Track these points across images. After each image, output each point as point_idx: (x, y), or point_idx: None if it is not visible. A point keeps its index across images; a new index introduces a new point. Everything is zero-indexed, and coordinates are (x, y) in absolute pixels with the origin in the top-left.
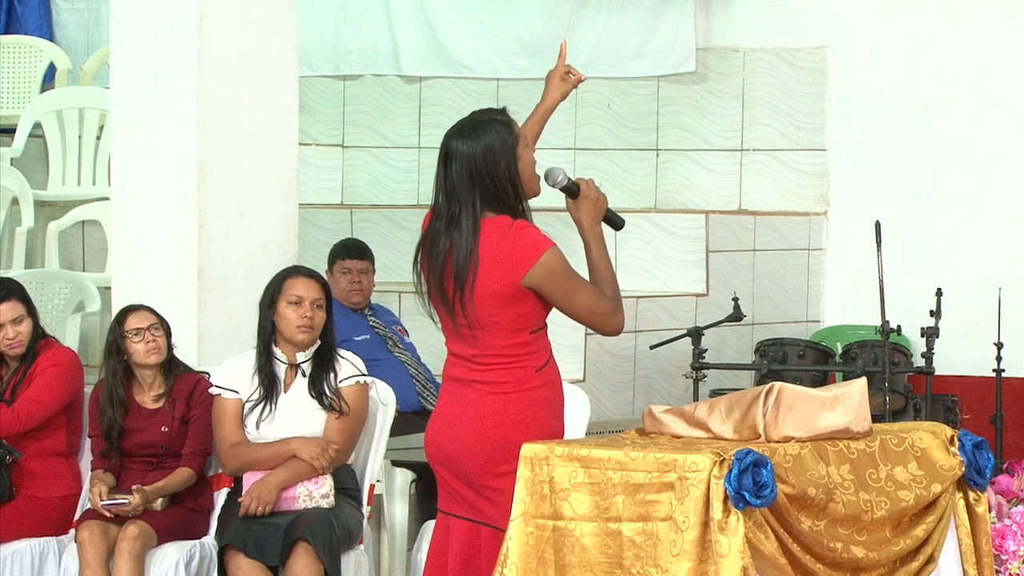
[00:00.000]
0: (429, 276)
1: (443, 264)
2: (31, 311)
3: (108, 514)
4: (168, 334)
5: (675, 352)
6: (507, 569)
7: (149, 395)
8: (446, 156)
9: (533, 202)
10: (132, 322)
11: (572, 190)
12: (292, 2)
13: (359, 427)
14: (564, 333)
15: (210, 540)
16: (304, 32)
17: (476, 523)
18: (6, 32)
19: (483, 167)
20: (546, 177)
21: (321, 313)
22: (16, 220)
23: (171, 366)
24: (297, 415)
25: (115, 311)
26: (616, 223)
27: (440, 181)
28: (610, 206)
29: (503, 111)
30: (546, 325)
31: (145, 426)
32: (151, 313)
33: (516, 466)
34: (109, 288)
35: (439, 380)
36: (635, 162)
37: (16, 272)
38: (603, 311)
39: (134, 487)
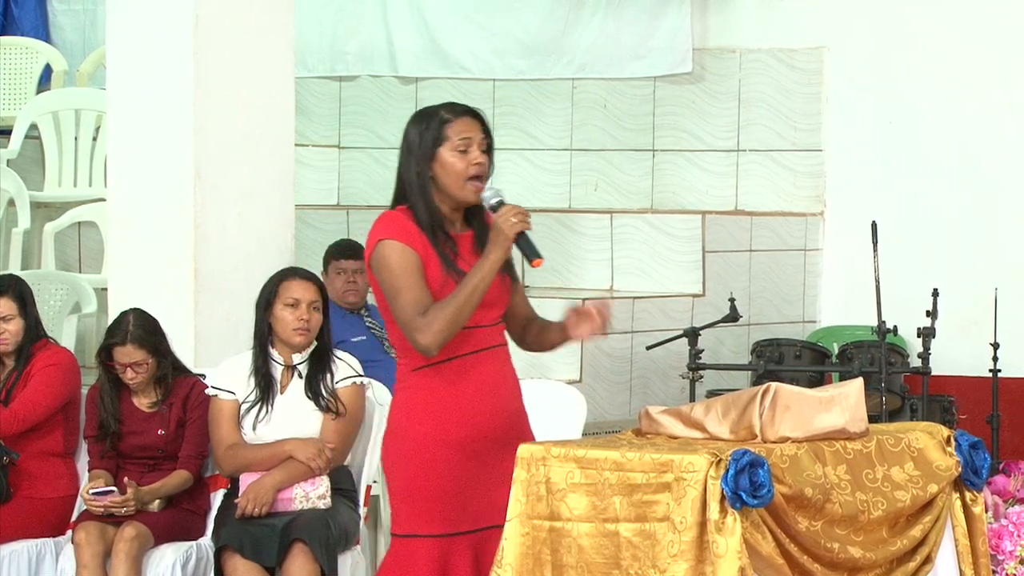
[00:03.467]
0: None
1: None
2: (25, 311)
3: (97, 507)
4: (160, 358)
5: (671, 353)
6: (503, 570)
7: (145, 399)
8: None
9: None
10: (119, 357)
11: (497, 211)
12: (289, 3)
13: (355, 428)
14: None
15: (207, 541)
16: (301, 33)
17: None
18: (2, 33)
19: (403, 156)
20: (481, 196)
21: (318, 315)
22: (12, 221)
23: (166, 375)
24: (293, 416)
25: (111, 312)
26: (527, 254)
27: None
28: (601, 208)
29: (459, 109)
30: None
31: (142, 429)
32: (138, 348)
33: (391, 464)
34: (105, 289)
35: None
36: (631, 163)
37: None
38: (412, 325)
39: (126, 480)
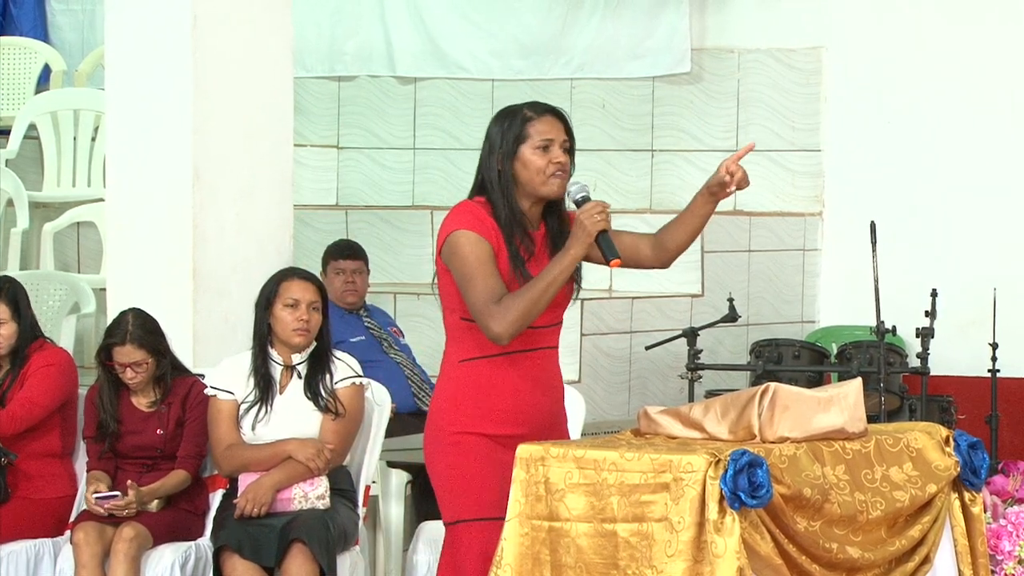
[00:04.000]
0: None
1: None
2: (19, 314)
3: (101, 511)
4: (159, 357)
5: (670, 353)
6: (502, 570)
7: (144, 398)
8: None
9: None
10: (118, 357)
11: (580, 205)
12: (287, 3)
13: (355, 428)
14: (561, 333)
15: (205, 541)
16: (299, 33)
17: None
18: (1, 33)
19: (485, 153)
20: (568, 190)
21: (317, 315)
22: (11, 221)
23: (166, 374)
24: (293, 416)
25: (110, 313)
26: (605, 255)
27: None
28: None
29: (541, 108)
30: None
31: (140, 428)
32: (137, 348)
33: (435, 453)
34: (104, 290)
35: (434, 381)
36: (630, 163)
37: (11, 274)
38: (484, 313)
39: (128, 482)
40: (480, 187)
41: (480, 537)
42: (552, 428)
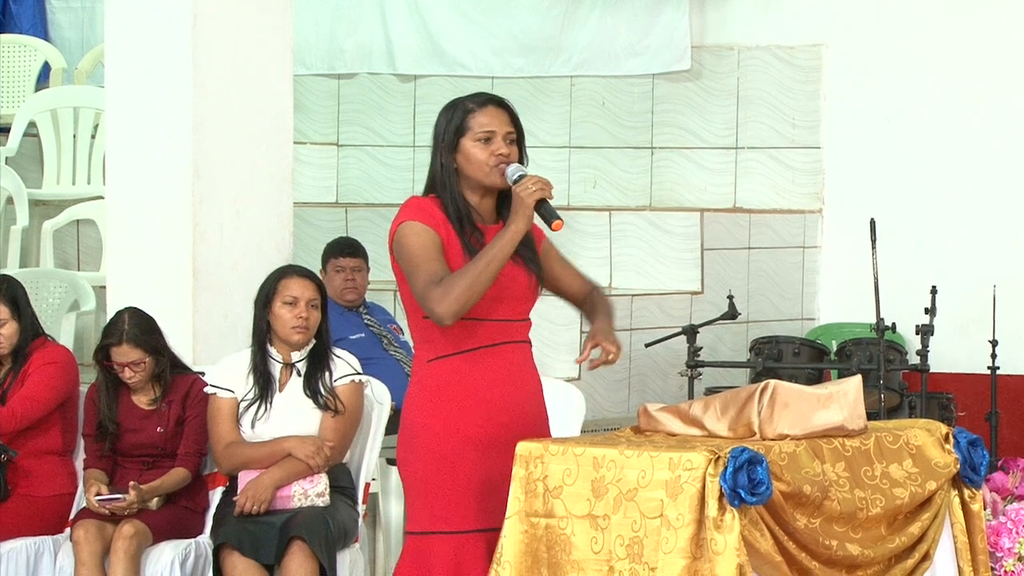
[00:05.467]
0: None
1: None
2: (19, 313)
3: (104, 511)
4: (157, 356)
5: (670, 350)
6: (501, 567)
7: (144, 397)
8: None
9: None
10: (116, 357)
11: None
12: (287, 1)
13: (354, 426)
14: (559, 331)
15: (205, 539)
16: (299, 31)
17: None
18: (1, 31)
19: (432, 146)
20: (507, 175)
21: (316, 313)
22: (11, 219)
23: (165, 372)
24: (292, 414)
25: (110, 310)
26: (546, 218)
27: None
28: (599, 205)
29: (483, 99)
30: (474, 319)
31: (140, 427)
32: (134, 347)
33: (405, 458)
34: (104, 287)
35: None
36: (630, 160)
37: (11, 271)
38: (426, 296)
39: (130, 484)
40: (431, 184)
41: (454, 552)
42: (530, 426)
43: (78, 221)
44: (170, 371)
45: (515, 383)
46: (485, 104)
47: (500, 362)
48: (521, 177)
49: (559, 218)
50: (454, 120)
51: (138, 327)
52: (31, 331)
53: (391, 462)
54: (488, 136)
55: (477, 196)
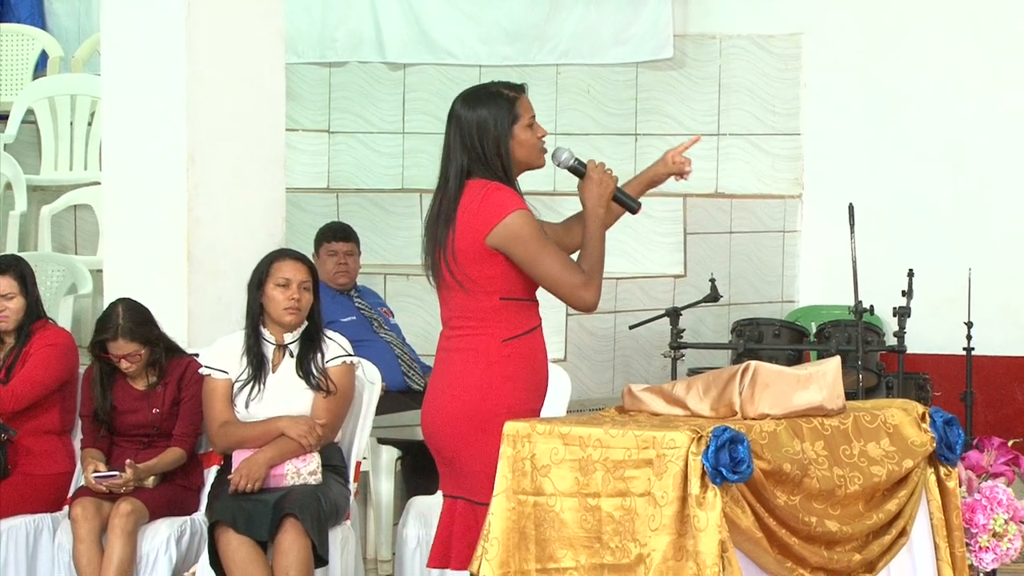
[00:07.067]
0: (425, 233)
1: (429, 221)
2: (26, 290)
3: (102, 488)
4: (151, 346)
5: (654, 332)
6: (489, 543)
7: (140, 381)
8: (449, 116)
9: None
10: (112, 350)
11: (578, 171)
12: None
13: (346, 406)
14: (545, 314)
15: (200, 516)
16: (291, 20)
17: (453, 498)
18: None
19: (475, 137)
20: (552, 157)
21: (308, 295)
22: (9, 204)
23: (159, 358)
24: (285, 394)
25: (107, 293)
26: (630, 206)
27: (444, 140)
28: (601, 168)
29: (515, 87)
30: (531, 300)
31: (136, 407)
32: (129, 341)
33: (480, 437)
34: (101, 271)
35: (424, 360)
36: (615, 147)
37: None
38: (570, 282)
39: (127, 462)
40: (467, 171)
41: None
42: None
43: (75, 206)
44: (164, 356)
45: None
46: (520, 92)
47: (543, 341)
48: (579, 162)
49: (639, 203)
50: (503, 110)
51: (132, 320)
52: (35, 311)
53: (382, 441)
54: (531, 121)
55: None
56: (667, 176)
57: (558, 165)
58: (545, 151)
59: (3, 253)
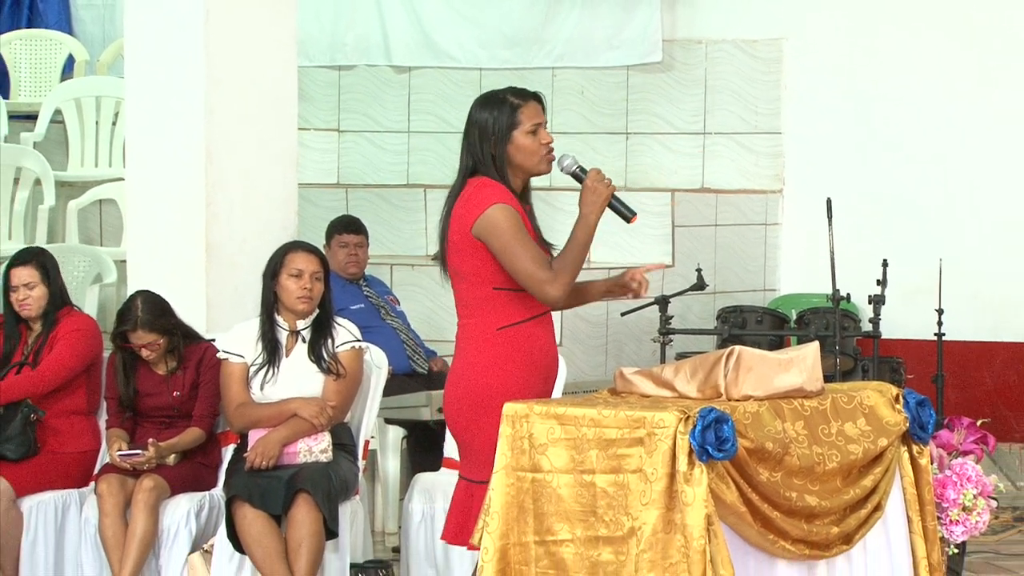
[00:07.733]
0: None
1: (441, 217)
2: (49, 279)
3: (126, 465)
4: (170, 335)
5: (644, 319)
6: (490, 517)
7: (161, 366)
8: (468, 118)
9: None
10: (133, 340)
11: (580, 177)
12: None
13: (355, 388)
14: None
15: (218, 492)
16: (302, 26)
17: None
18: (28, 26)
19: (475, 138)
20: (558, 162)
21: (319, 284)
22: (39, 199)
23: (178, 345)
24: (298, 377)
25: (130, 283)
26: (624, 215)
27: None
28: (579, 187)
29: (524, 94)
30: (521, 288)
31: (158, 391)
32: (148, 332)
33: (482, 418)
34: (124, 261)
35: (428, 345)
36: (607, 145)
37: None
38: (536, 277)
39: (149, 441)
40: (472, 170)
41: None
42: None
43: (100, 201)
44: (183, 343)
45: (554, 349)
46: (528, 99)
47: (546, 330)
48: (581, 169)
49: (635, 212)
50: (503, 115)
51: (150, 312)
52: (60, 299)
53: (389, 421)
54: (535, 128)
55: (519, 181)
56: (623, 292)
57: (562, 170)
58: (552, 158)
59: (30, 245)
